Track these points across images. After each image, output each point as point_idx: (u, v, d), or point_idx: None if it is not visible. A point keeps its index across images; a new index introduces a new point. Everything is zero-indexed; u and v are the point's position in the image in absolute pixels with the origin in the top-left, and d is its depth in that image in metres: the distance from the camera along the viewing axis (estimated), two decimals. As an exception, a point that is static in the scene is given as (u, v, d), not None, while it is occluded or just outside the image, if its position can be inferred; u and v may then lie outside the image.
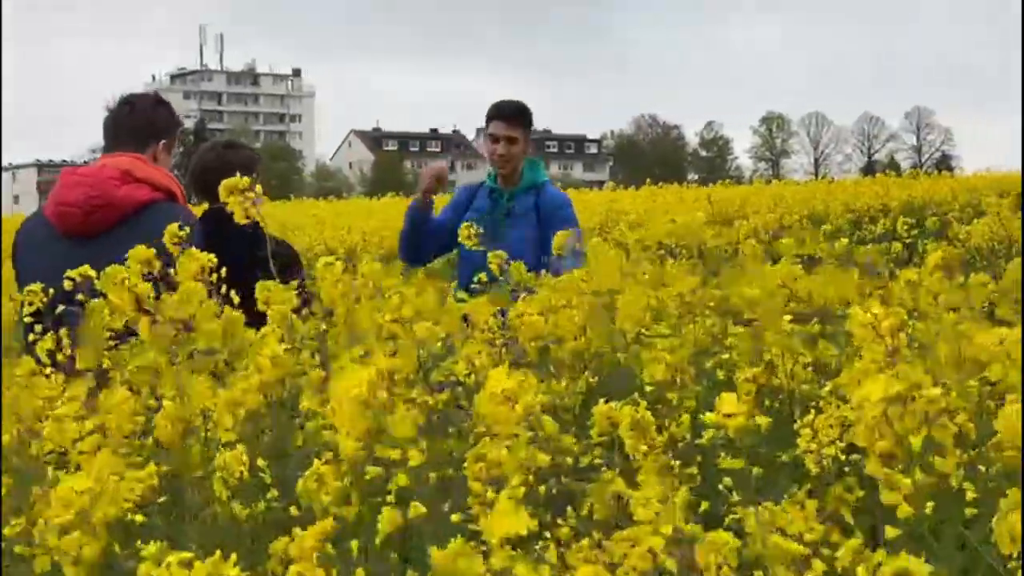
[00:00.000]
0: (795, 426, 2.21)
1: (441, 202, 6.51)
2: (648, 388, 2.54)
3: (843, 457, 2.16)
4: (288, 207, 31.48)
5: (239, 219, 3.40)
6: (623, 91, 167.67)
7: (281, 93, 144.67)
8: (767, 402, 2.77)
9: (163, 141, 4.71)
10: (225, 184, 3.45)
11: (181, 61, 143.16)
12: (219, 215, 4.03)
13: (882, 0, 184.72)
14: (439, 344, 2.81)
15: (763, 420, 2.23)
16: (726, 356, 2.91)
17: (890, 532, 1.88)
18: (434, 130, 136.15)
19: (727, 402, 2.00)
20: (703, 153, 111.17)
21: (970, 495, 2.20)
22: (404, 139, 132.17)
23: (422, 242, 6.09)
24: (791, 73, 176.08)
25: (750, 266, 4.35)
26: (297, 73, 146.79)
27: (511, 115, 6.08)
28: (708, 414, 2.11)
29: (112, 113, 4.77)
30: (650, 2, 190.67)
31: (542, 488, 1.99)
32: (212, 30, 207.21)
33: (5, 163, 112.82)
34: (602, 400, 2.35)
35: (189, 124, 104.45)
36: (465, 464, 1.95)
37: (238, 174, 3.64)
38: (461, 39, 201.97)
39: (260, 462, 2.39)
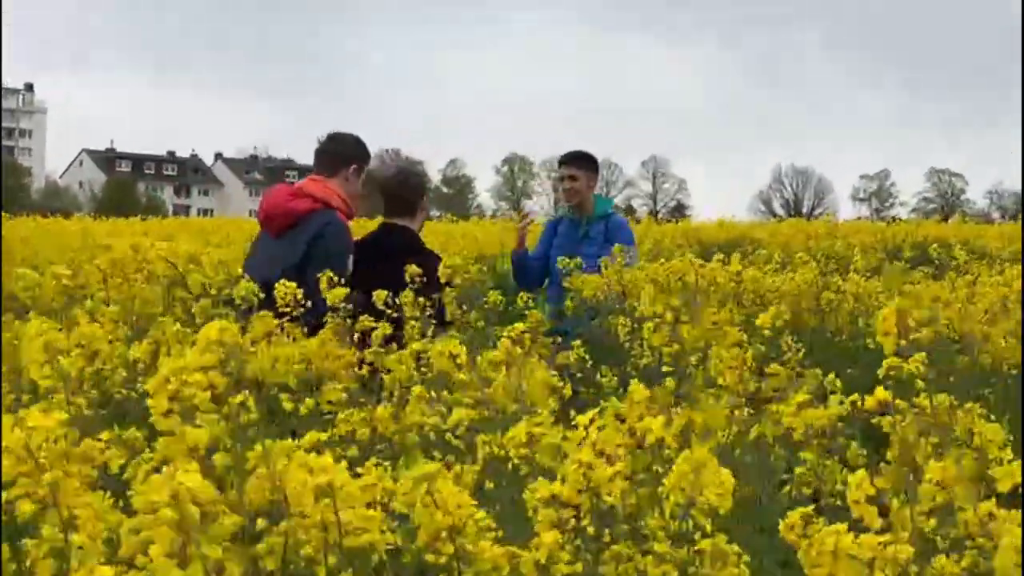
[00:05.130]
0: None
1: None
2: None
3: None
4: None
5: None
6: (368, 126, 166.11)
7: (11, 107, 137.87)
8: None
9: (353, 166, 6.12)
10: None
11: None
12: (386, 228, 6.40)
13: (605, 57, 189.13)
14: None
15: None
16: None
17: None
18: (171, 153, 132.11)
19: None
20: (445, 190, 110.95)
21: None
22: (139, 160, 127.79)
23: (528, 274, 7.86)
24: (533, 115, 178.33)
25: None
26: (29, 88, 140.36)
27: (569, 160, 7.94)
28: None
29: (321, 145, 6.23)
30: (389, 37, 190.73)
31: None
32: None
33: None
34: None
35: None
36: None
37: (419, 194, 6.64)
38: (201, 63, 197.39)
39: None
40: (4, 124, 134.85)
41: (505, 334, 3.14)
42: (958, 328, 6.46)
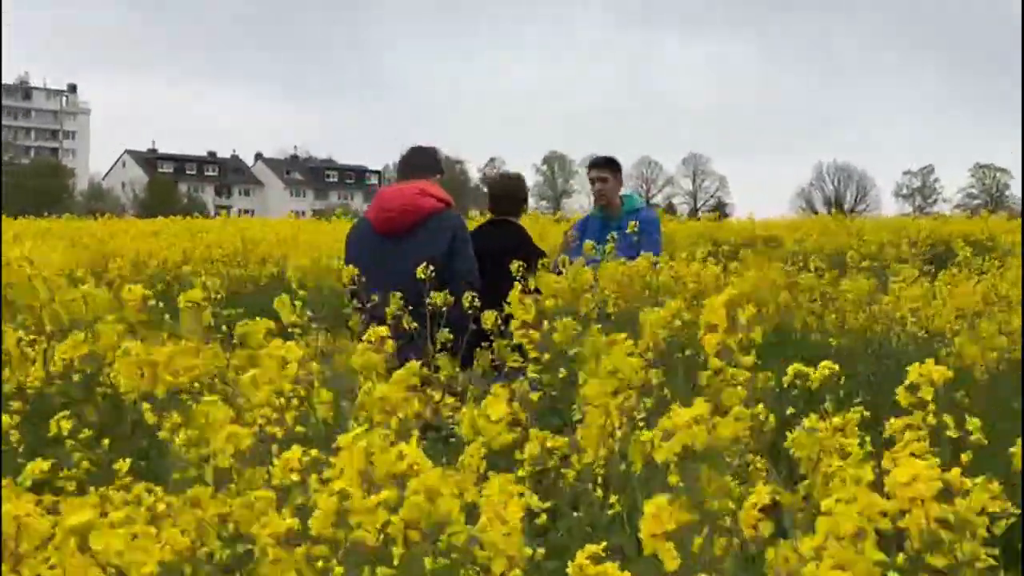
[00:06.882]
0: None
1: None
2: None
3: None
4: None
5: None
6: (409, 125, 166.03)
7: (55, 109, 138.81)
8: None
9: (438, 175, 6.62)
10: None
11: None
12: (502, 223, 6.83)
13: (642, 54, 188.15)
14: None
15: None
16: None
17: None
18: (212, 153, 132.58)
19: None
20: (485, 189, 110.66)
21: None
22: (180, 161, 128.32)
23: None
24: (570, 113, 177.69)
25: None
26: (73, 89, 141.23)
27: (599, 164, 8.50)
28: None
29: (407, 155, 6.66)
30: (425, 38, 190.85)
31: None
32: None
33: None
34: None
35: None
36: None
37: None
38: (239, 65, 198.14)
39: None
40: (47, 126, 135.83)
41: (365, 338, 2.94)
42: (931, 327, 6.22)
